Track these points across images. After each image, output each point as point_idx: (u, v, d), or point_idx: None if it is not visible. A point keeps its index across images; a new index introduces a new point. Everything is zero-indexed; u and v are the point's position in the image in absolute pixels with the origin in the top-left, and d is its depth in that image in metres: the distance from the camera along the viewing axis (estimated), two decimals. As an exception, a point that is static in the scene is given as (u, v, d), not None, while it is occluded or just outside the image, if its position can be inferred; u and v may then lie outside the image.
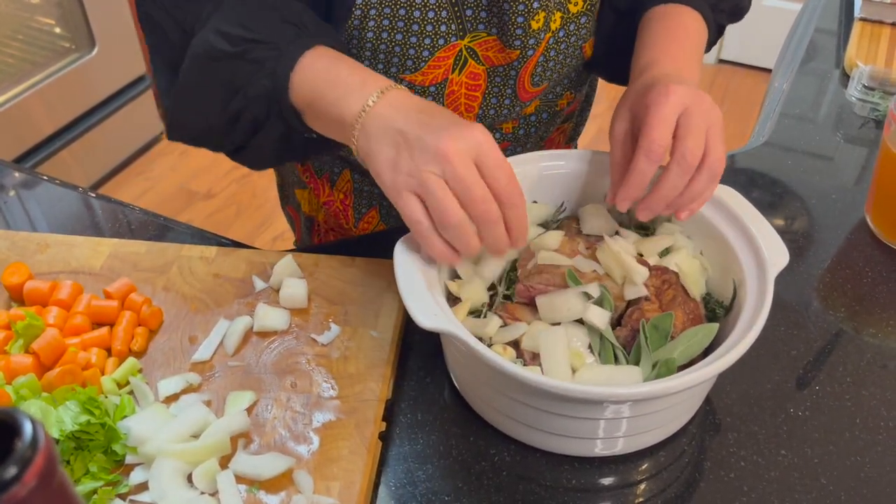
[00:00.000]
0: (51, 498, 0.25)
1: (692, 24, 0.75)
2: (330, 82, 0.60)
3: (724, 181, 0.64)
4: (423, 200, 0.56)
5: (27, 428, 0.24)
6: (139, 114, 2.34)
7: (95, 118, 2.21)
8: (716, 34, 0.81)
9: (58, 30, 2.11)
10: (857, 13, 1.19)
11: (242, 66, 0.62)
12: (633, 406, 0.56)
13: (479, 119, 0.81)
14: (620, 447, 0.60)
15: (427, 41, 0.72)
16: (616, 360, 0.59)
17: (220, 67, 0.63)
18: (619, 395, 0.53)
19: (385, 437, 0.62)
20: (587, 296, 0.60)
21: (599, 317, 0.58)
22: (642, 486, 0.60)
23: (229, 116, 0.64)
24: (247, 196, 2.35)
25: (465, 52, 0.74)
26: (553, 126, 0.89)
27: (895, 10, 1.16)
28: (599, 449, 0.60)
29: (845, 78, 1.08)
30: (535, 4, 0.71)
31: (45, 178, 0.90)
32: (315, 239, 1.02)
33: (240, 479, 0.57)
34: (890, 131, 0.77)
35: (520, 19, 0.72)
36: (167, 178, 2.39)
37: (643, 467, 0.61)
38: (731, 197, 0.66)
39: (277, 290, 0.71)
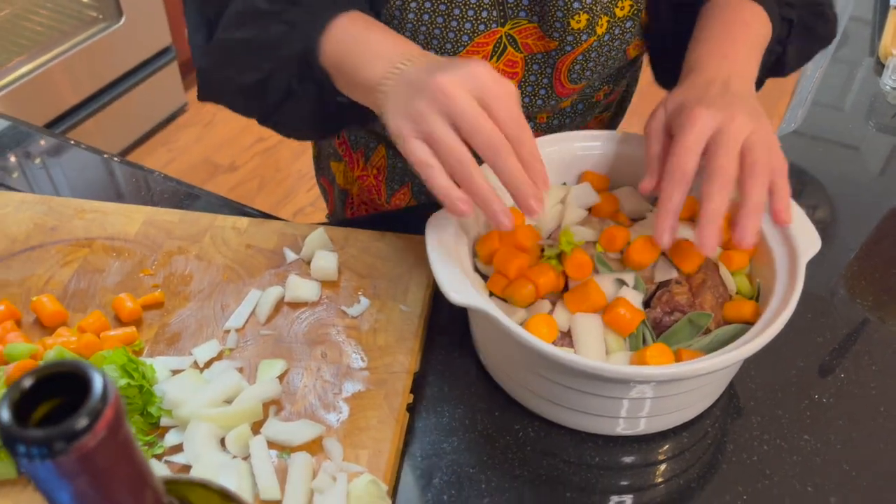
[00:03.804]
0: (117, 449, 0.26)
1: (752, 18, 0.70)
2: (359, 47, 0.60)
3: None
4: (430, 145, 0.55)
5: (97, 380, 0.25)
6: (164, 85, 2.35)
7: (120, 88, 2.22)
8: (790, 33, 0.75)
9: (86, -1, 2.12)
10: (892, 2, 1.17)
11: (277, 27, 0.63)
12: (658, 386, 0.56)
13: None
14: (644, 427, 0.61)
15: (467, 26, 0.72)
16: (644, 342, 0.60)
17: (257, 26, 0.63)
18: (648, 374, 0.53)
19: (411, 409, 0.63)
20: (621, 281, 0.60)
21: (632, 299, 0.59)
22: (665, 466, 0.61)
23: (261, 77, 0.64)
24: (270, 170, 2.37)
25: (504, 40, 0.74)
26: (590, 116, 0.89)
27: (932, -1, 1.15)
28: (622, 428, 0.61)
29: (879, 66, 1.07)
30: (576, 5, 0.71)
31: (72, 142, 0.91)
32: (348, 212, 1.03)
33: (271, 444, 0.58)
34: (925, 121, 0.77)
35: (559, 14, 0.71)
36: (191, 149, 2.40)
37: (666, 447, 0.62)
38: (763, 183, 0.66)
39: (308, 263, 0.72)
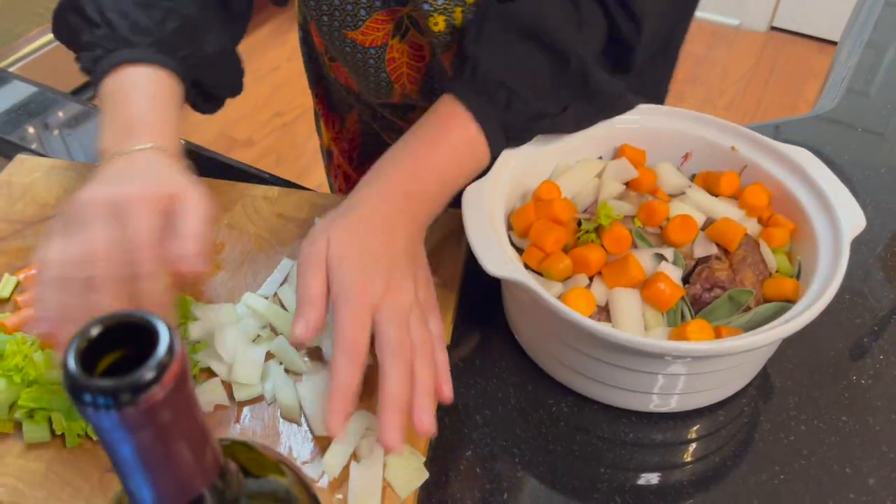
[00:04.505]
0: (182, 404, 0.25)
1: (465, 148, 0.62)
2: (107, 113, 0.60)
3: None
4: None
5: (165, 333, 0.25)
6: (182, 58, 2.34)
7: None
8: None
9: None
10: (931, -19, 1.14)
11: (89, 31, 0.64)
12: (697, 363, 0.56)
13: (422, 93, 0.79)
14: (681, 404, 0.60)
15: (364, 0, 0.71)
16: (683, 318, 0.59)
17: (76, 16, 0.65)
18: (690, 350, 0.53)
19: (444, 382, 0.62)
20: (660, 256, 0.59)
21: (671, 274, 0.58)
22: (700, 444, 0.60)
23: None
24: (286, 146, 2.36)
25: (407, 21, 0.73)
26: None
27: (973, -21, 1.12)
28: (655, 405, 0.60)
29: (917, 47, 1.05)
30: (426, 7, 0.68)
31: (92, 107, 0.90)
32: (332, 172, 1.04)
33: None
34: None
35: (418, 14, 0.69)
36: (208, 124, 2.40)
37: (701, 425, 0.61)
38: (805, 159, 0.65)
39: (340, 233, 0.71)
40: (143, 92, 0.61)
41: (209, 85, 0.69)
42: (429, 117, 0.63)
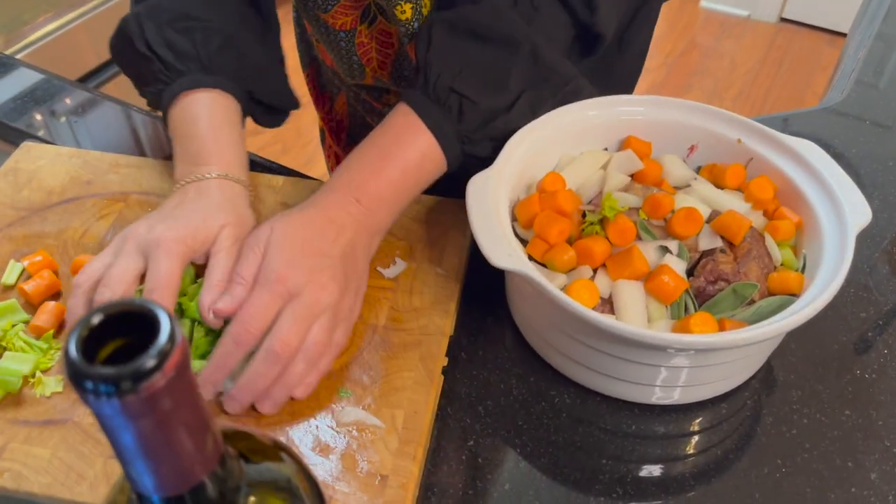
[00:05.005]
0: (182, 392, 0.26)
1: (419, 156, 0.62)
2: (178, 142, 0.66)
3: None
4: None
5: (165, 322, 0.25)
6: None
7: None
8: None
9: (111, -43, 2.10)
10: (943, -27, 1.13)
11: (145, 66, 0.67)
12: (700, 355, 0.56)
13: (393, 78, 0.79)
14: (683, 396, 0.60)
15: None
16: (686, 311, 0.59)
17: (131, 52, 0.68)
18: (692, 342, 0.52)
19: (445, 372, 0.63)
20: (664, 248, 0.59)
21: (675, 267, 0.58)
22: (702, 436, 0.60)
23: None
24: (291, 135, 2.36)
25: (374, 9, 0.73)
26: None
27: (985, -29, 1.11)
28: (658, 397, 0.60)
29: (927, 40, 1.04)
30: None
31: (106, 97, 0.90)
32: (326, 152, 1.05)
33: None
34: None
35: (387, 3, 0.69)
36: (214, 112, 2.40)
37: (703, 418, 0.61)
38: (811, 152, 0.65)
39: (344, 223, 0.71)
40: (203, 121, 0.65)
41: (263, 97, 0.72)
42: (385, 127, 0.64)
